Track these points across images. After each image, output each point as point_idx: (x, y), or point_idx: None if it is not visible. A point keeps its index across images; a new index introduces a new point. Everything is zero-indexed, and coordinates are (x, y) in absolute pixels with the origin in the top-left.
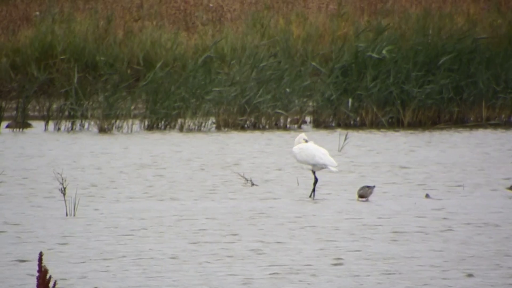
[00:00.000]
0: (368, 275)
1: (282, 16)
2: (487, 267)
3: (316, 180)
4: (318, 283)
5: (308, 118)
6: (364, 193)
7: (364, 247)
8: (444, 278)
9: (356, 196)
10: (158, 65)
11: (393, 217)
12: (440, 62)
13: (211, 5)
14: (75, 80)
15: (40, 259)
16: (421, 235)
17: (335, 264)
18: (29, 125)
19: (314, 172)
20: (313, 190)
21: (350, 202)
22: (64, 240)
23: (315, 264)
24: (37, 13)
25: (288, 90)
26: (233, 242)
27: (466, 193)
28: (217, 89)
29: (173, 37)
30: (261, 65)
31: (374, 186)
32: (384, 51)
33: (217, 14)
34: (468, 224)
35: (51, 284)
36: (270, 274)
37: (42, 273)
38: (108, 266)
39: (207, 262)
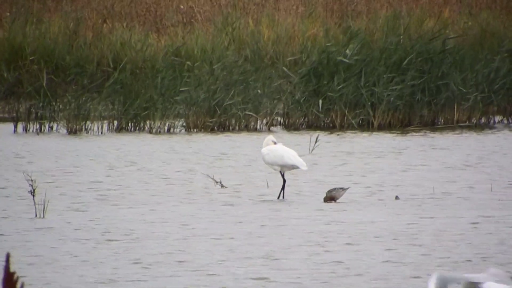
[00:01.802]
0: (341, 276)
1: (252, 18)
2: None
3: (284, 182)
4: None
5: (278, 120)
6: (336, 195)
7: (334, 247)
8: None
9: (325, 197)
10: (127, 66)
11: (363, 220)
12: (411, 63)
13: (182, 6)
14: (44, 81)
15: (7, 260)
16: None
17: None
18: None
19: (283, 174)
20: (282, 191)
21: (321, 204)
22: (31, 241)
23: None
24: (8, 14)
25: (258, 91)
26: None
27: (436, 196)
28: (185, 88)
29: (143, 38)
30: (231, 67)
31: (348, 188)
32: (347, 51)
33: (187, 16)
34: (439, 228)
35: (18, 286)
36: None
37: (9, 274)
38: (67, 269)
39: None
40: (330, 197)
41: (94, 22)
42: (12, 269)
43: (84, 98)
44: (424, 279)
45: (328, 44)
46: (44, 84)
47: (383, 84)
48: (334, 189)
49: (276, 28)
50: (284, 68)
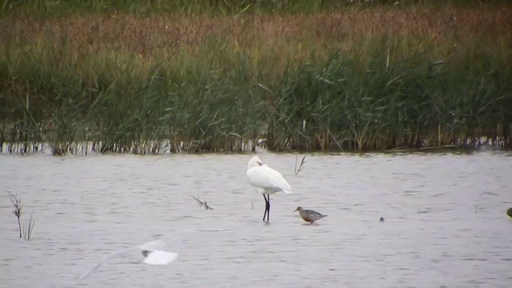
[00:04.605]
0: None
1: (237, 39)
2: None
3: (268, 205)
4: None
5: (263, 141)
6: (312, 218)
7: (322, 268)
8: None
9: (301, 214)
10: (112, 86)
11: (348, 240)
12: (395, 87)
13: (166, 27)
14: (27, 102)
15: None
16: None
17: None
18: None
19: (267, 197)
20: (267, 214)
21: (305, 226)
22: (17, 261)
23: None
24: None
25: (240, 110)
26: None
27: (421, 217)
28: (169, 109)
29: (128, 59)
30: (216, 87)
31: (325, 215)
32: (329, 72)
33: (173, 37)
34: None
35: None
36: None
37: None
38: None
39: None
40: (306, 218)
41: (80, 42)
42: None
43: (69, 119)
44: None
45: (306, 64)
46: (28, 105)
47: (366, 105)
48: (312, 212)
49: (262, 50)
50: (261, 85)
